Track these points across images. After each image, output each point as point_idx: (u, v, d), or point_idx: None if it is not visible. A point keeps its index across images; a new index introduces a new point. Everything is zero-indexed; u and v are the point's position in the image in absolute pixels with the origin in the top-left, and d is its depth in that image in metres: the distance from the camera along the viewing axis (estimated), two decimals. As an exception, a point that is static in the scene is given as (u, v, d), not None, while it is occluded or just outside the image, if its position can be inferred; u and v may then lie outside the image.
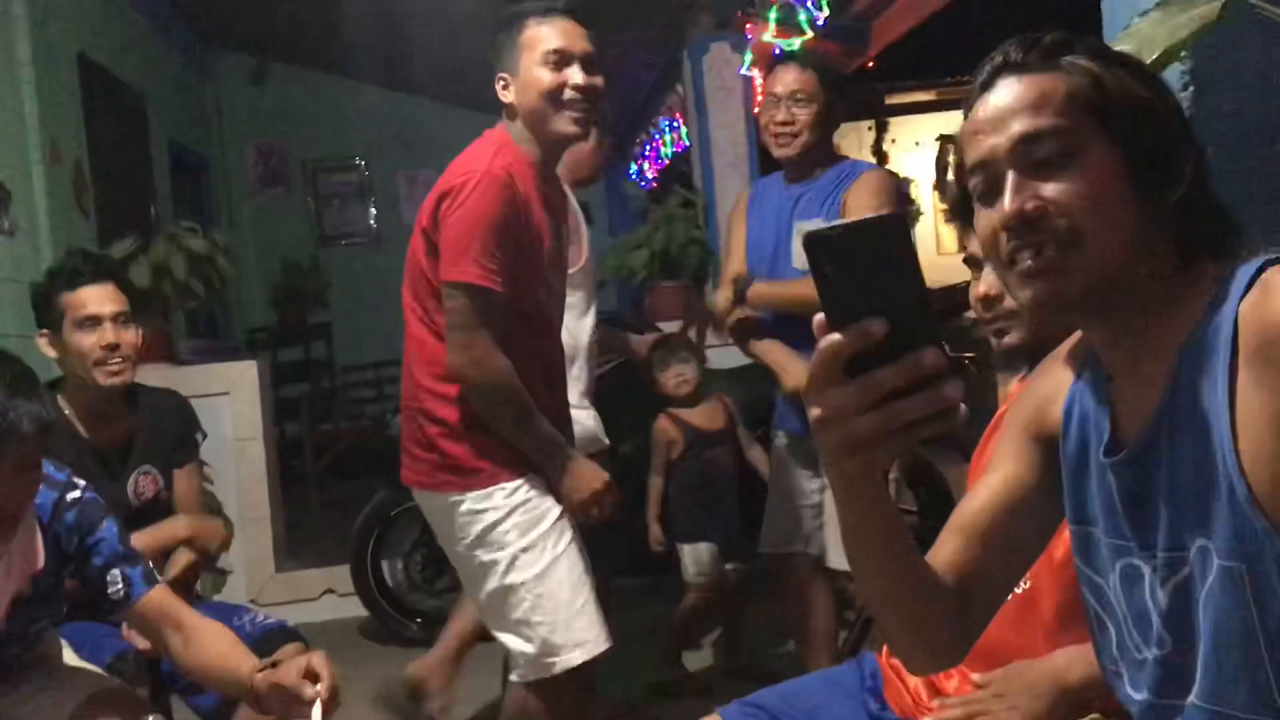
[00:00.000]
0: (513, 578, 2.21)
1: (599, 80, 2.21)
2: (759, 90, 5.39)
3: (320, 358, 8.14)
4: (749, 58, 4.80)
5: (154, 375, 3.39)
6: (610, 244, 5.91)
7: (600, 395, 3.07)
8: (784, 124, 2.77)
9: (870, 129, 10.54)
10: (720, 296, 2.97)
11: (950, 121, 10.72)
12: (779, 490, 3.03)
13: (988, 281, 1.65)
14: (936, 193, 10.70)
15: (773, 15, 4.26)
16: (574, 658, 2.21)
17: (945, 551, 1.14)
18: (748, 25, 4.72)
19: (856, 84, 8.48)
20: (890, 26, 5.31)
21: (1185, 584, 0.97)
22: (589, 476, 2.22)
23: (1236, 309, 0.93)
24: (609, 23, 5.74)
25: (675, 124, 6.60)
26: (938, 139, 10.60)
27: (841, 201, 2.75)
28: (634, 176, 7.90)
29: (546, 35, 2.18)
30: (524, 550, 2.21)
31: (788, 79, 2.78)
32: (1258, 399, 0.90)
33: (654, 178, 7.64)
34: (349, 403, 8.09)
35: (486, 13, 5.22)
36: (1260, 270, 0.94)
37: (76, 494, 1.82)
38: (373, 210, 9.01)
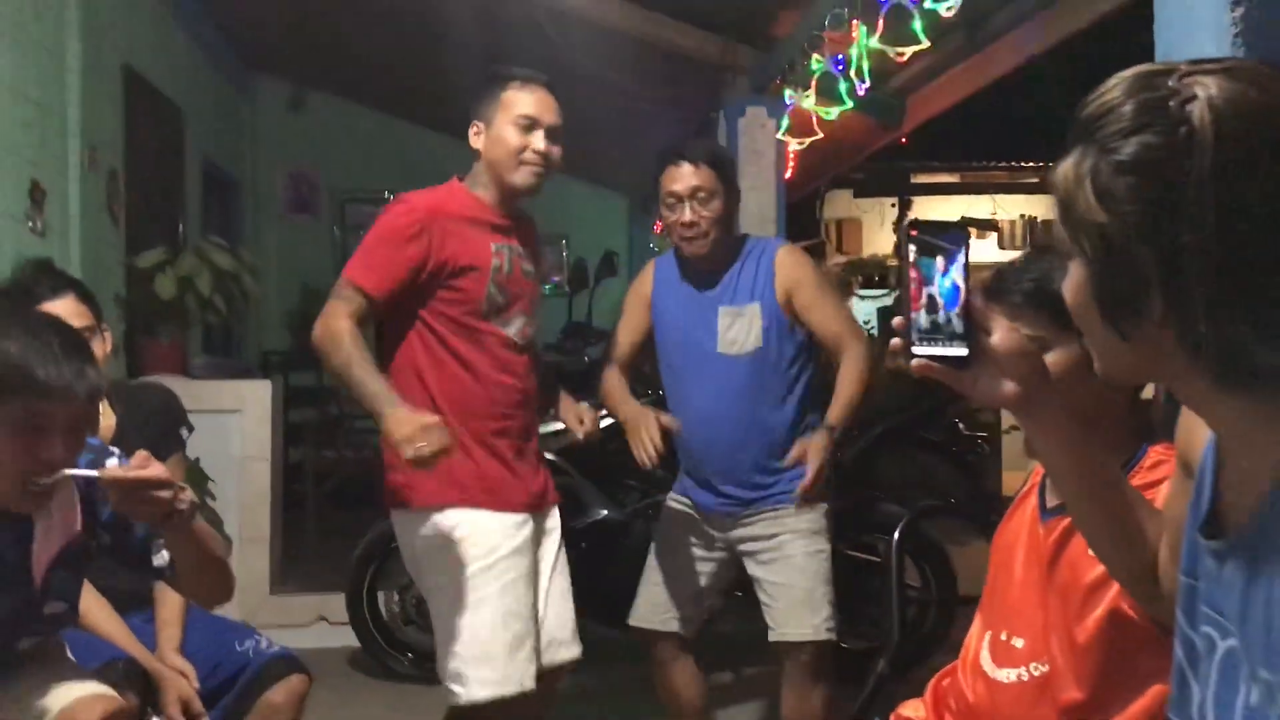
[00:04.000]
0: (439, 603, 2.47)
1: (557, 150, 2.53)
2: (791, 156, 5.44)
3: (330, 384, 8.13)
4: (786, 123, 4.84)
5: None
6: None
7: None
8: (690, 224, 2.75)
9: (894, 205, 10.60)
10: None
11: (973, 205, 10.81)
12: (662, 562, 2.98)
13: None
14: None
15: (812, 85, 4.30)
16: (476, 693, 2.41)
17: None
18: (787, 91, 4.76)
19: (884, 161, 8.59)
20: (925, 105, 5.36)
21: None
22: (404, 419, 2.30)
23: None
24: (645, 79, 5.83)
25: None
26: (960, 221, 10.66)
27: (774, 280, 2.79)
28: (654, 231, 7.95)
29: (522, 101, 2.50)
30: (452, 581, 2.43)
31: (687, 178, 2.75)
32: None
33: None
34: (354, 431, 8.07)
35: (522, 60, 5.29)
36: None
37: (114, 460, 1.83)
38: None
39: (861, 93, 4.20)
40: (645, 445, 2.69)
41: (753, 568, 2.89)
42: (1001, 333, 1.12)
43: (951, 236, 1.12)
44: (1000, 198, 10.78)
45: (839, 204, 10.73)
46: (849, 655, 4.22)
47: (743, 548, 2.88)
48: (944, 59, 4.67)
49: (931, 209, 10.76)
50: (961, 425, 4.81)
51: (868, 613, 4.14)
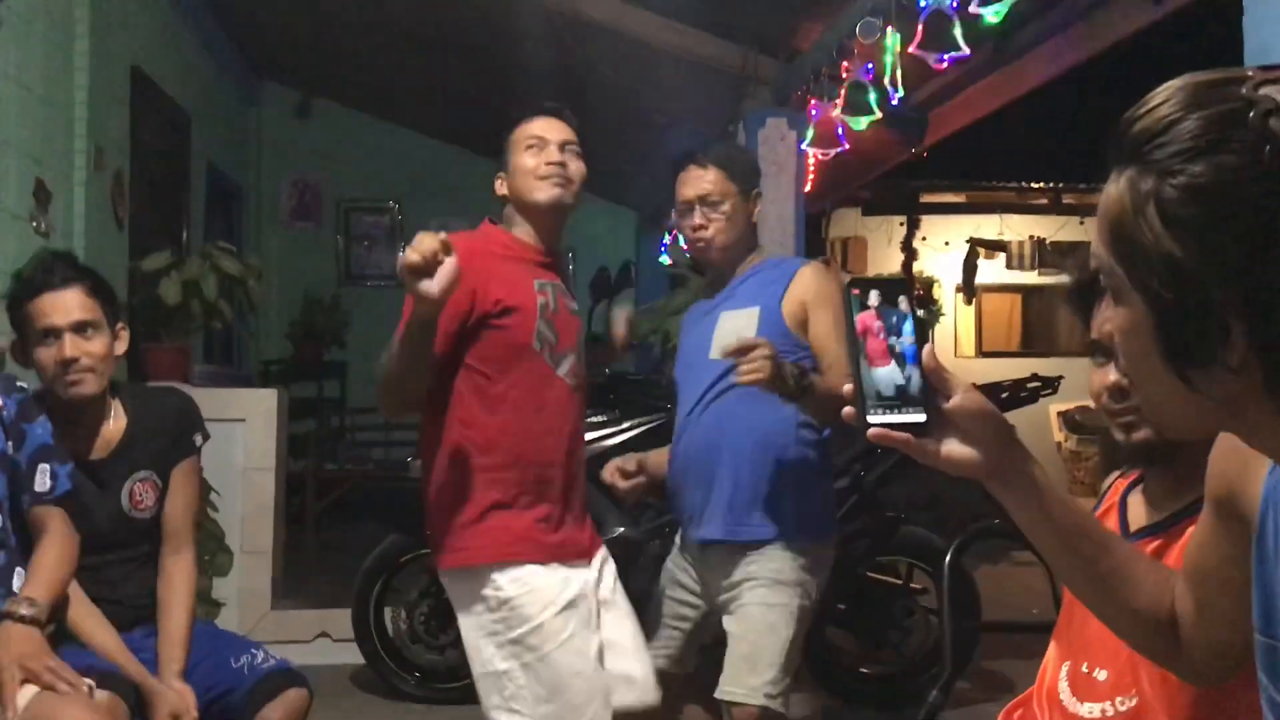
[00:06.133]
0: (499, 664, 2.28)
1: (576, 165, 2.43)
2: (811, 169, 5.35)
3: (332, 396, 8.03)
4: (811, 133, 4.75)
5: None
6: (641, 309, 5.86)
7: None
8: (699, 229, 2.60)
9: (902, 224, 10.55)
10: None
11: (981, 225, 10.76)
12: (662, 600, 2.76)
13: (1114, 370, 1.55)
14: (960, 294, 10.68)
15: (842, 93, 4.21)
16: None
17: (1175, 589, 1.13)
18: (811, 101, 4.68)
19: (892, 179, 8.52)
20: (947, 120, 5.28)
21: None
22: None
23: None
24: (662, 89, 5.75)
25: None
26: (968, 241, 10.61)
27: (787, 288, 2.57)
28: (664, 247, 7.86)
29: (528, 128, 2.45)
30: (512, 641, 2.26)
31: (695, 182, 2.60)
32: None
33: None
34: (357, 444, 7.96)
35: (527, 68, 5.20)
36: None
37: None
38: (401, 253, 8.95)
39: (894, 103, 4.11)
40: (611, 471, 2.52)
41: (724, 619, 2.61)
42: (961, 394, 1.02)
43: (894, 292, 1.04)
44: (1008, 217, 10.72)
45: (846, 222, 10.67)
46: (871, 680, 4.12)
47: (720, 598, 2.62)
48: (968, 73, 4.59)
49: (940, 228, 10.72)
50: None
51: (889, 637, 4.04)
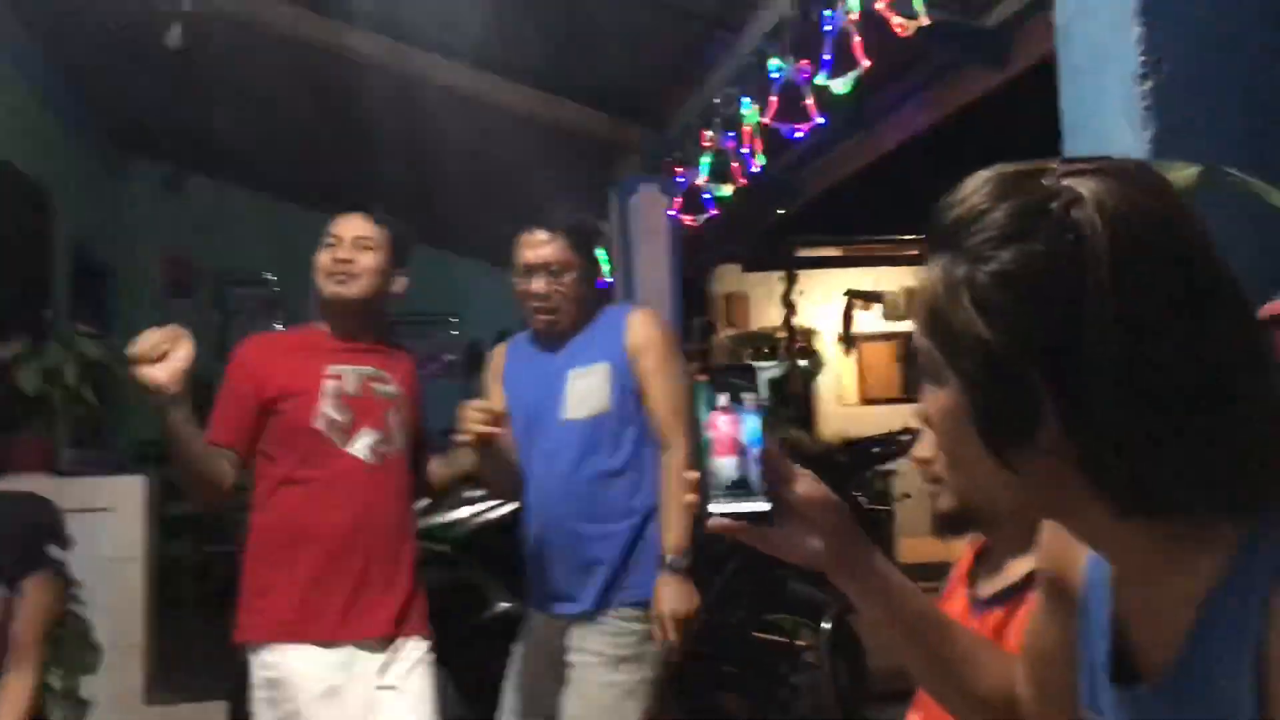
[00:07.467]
0: None
1: (362, 256, 2.56)
2: (685, 231, 5.44)
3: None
4: (680, 200, 4.84)
5: (32, 487, 3.16)
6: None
7: None
8: (541, 297, 2.60)
9: (781, 280, 10.75)
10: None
11: (857, 278, 11.03)
12: (515, 678, 2.68)
13: (924, 445, 1.60)
14: (841, 345, 10.93)
15: (705, 162, 4.31)
16: None
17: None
18: (677, 170, 4.77)
19: (772, 236, 8.71)
20: (816, 179, 5.43)
21: None
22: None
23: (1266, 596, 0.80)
24: (537, 157, 5.80)
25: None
26: (845, 294, 10.87)
27: (624, 338, 2.59)
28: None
29: (330, 225, 2.62)
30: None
31: (540, 250, 2.59)
32: None
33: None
34: (238, 525, 7.71)
35: (395, 136, 5.18)
36: None
37: None
38: (278, 327, 8.78)
39: (754, 170, 4.21)
40: (472, 417, 2.41)
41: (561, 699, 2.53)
42: (804, 483, 1.03)
43: (743, 379, 1.04)
44: (882, 270, 11.02)
45: (728, 279, 10.85)
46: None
47: (559, 674, 2.55)
48: (829, 139, 4.73)
49: (818, 281, 10.95)
50: (863, 499, 4.80)
51: (778, 696, 4.05)
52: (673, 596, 2.43)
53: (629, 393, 2.56)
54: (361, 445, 2.46)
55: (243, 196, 8.56)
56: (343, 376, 2.50)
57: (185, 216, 8.48)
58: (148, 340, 2.16)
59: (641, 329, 2.60)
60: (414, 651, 2.47)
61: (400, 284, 2.61)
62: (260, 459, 2.48)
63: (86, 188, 7.13)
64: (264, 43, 5.44)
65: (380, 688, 2.39)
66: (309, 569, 2.39)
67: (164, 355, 2.16)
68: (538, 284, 2.60)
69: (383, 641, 2.42)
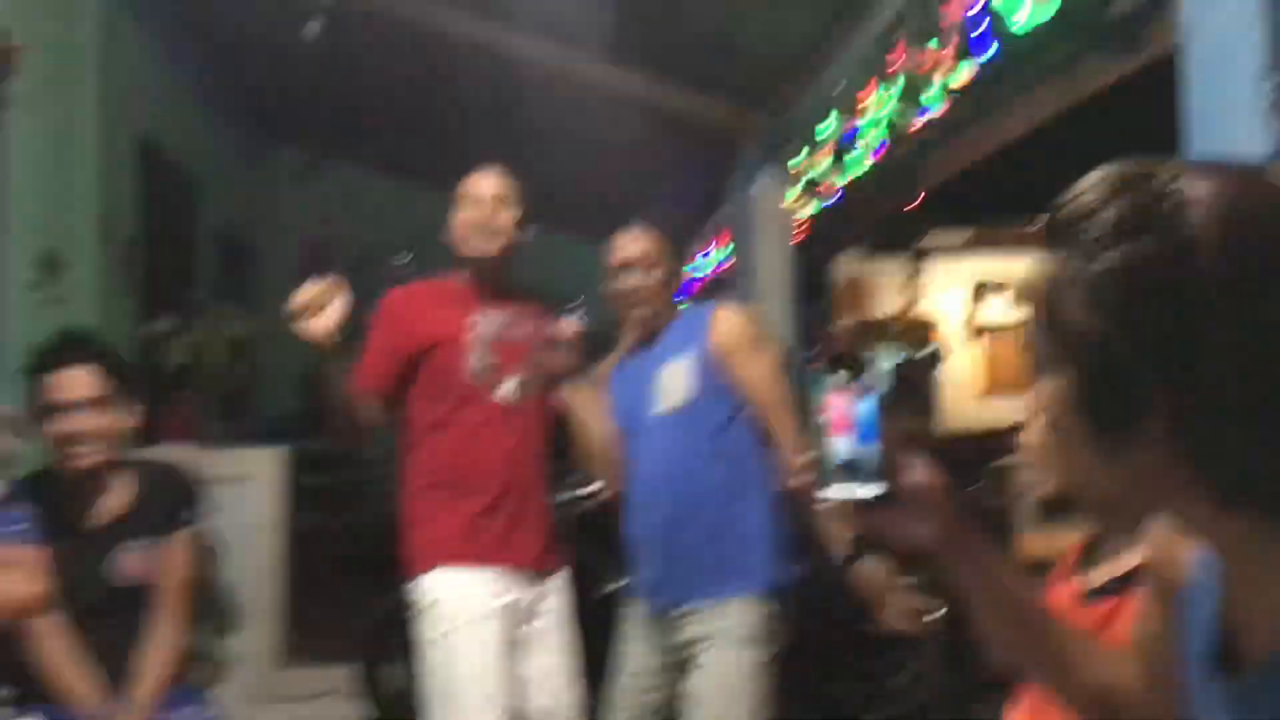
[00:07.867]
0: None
1: (502, 213, 2.68)
2: (804, 220, 5.43)
3: (342, 450, 8.06)
4: (799, 187, 4.83)
5: (178, 456, 3.35)
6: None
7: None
8: (631, 293, 2.68)
9: (904, 266, 10.57)
10: None
11: (982, 265, 10.78)
12: (620, 668, 2.71)
13: (1032, 431, 1.61)
14: (966, 332, 10.69)
15: (828, 149, 4.30)
16: None
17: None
18: (800, 155, 4.76)
19: (895, 222, 8.59)
20: (944, 164, 5.34)
21: None
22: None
23: None
24: (657, 144, 5.85)
25: (708, 248, 6.67)
26: (972, 281, 10.64)
27: (708, 332, 2.63)
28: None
29: (464, 184, 2.73)
30: (427, 645, 2.49)
31: (631, 248, 2.70)
32: None
33: (695, 293, 7.67)
34: (368, 496, 7.98)
35: (534, 125, 5.29)
36: None
37: None
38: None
39: (877, 157, 4.19)
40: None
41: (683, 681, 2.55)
42: (919, 469, 1.05)
43: (857, 366, 1.06)
44: (1009, 257, 10.76)
45: (849, 266, 10.72)
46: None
47: (679, 658, 2.58)
48: (956, 123, 4.66)
49: (943, 268, 10.75)
50: (982, 491, 4.72)
51: (885, 688, 4.04)
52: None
53: (718, 384, 2.60)
54: (507, 389, 2.62)
55: (376, 180, 8.85)
56: (487, 324, 2.65)
57: (322, 200, 8.82)
58: (306, 294, 2.33)
59: (725, 323, 2.66)
60: (561, 596, 2.68)
61: (529, 234, 2.77)
62: (412, 404, 2.63)
63: (231, 174, 7.46)
64: (396, 32, 5.62)
65: (534, 630, 2.59)
66: (468, 504, 2.55)
67: (321, 309, 2.35)
68: (631, 279, 2.69)
69: (533, 575, 2.60)
